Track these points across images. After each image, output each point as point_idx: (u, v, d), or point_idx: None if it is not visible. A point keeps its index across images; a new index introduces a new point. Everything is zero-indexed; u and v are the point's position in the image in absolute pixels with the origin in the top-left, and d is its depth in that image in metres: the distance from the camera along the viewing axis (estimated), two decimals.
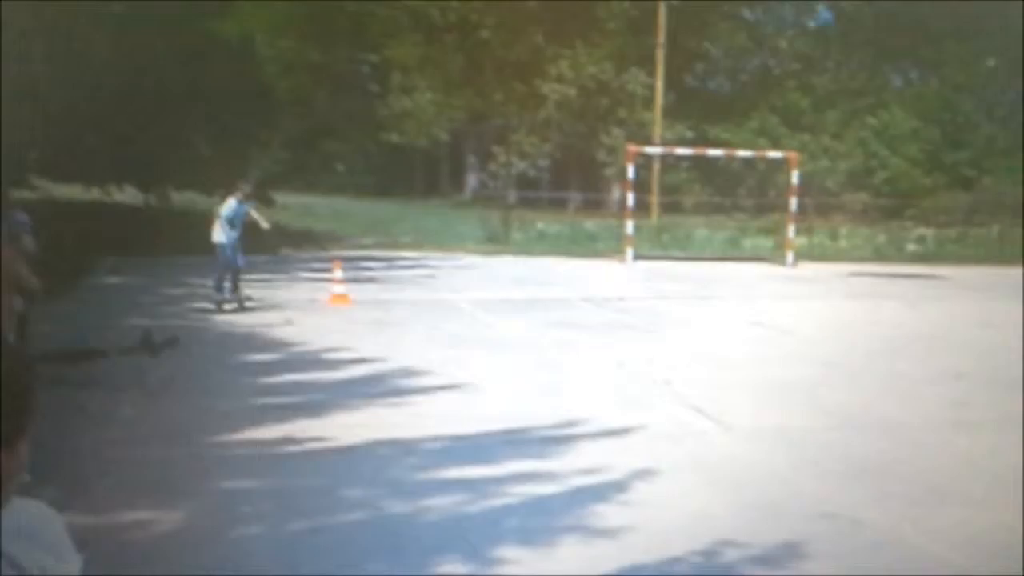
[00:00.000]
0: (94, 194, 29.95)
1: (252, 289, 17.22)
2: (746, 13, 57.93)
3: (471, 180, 56.81)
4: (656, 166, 43.29)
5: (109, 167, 25.66)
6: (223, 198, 29.00)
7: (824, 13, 61.69)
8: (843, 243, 34.75)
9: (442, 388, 10.14)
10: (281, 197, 33.67)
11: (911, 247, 34.12)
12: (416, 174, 61.66)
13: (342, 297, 16.43)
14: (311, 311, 15.46)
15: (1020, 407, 10.18)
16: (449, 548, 5.79)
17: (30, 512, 1.49)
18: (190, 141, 25.64)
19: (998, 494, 7.22)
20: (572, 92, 49.31)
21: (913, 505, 6.92)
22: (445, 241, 30.13)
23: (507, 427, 8.59)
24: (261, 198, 30.01)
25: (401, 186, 58.21)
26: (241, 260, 15.57)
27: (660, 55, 44.70)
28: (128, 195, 30.59)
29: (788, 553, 5.90)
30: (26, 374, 1.36)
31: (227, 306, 15.28)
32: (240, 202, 15.52)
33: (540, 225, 34.21)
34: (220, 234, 15.23)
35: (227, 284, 15.48)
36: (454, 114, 52.55)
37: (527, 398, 9.91)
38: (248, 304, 15.48)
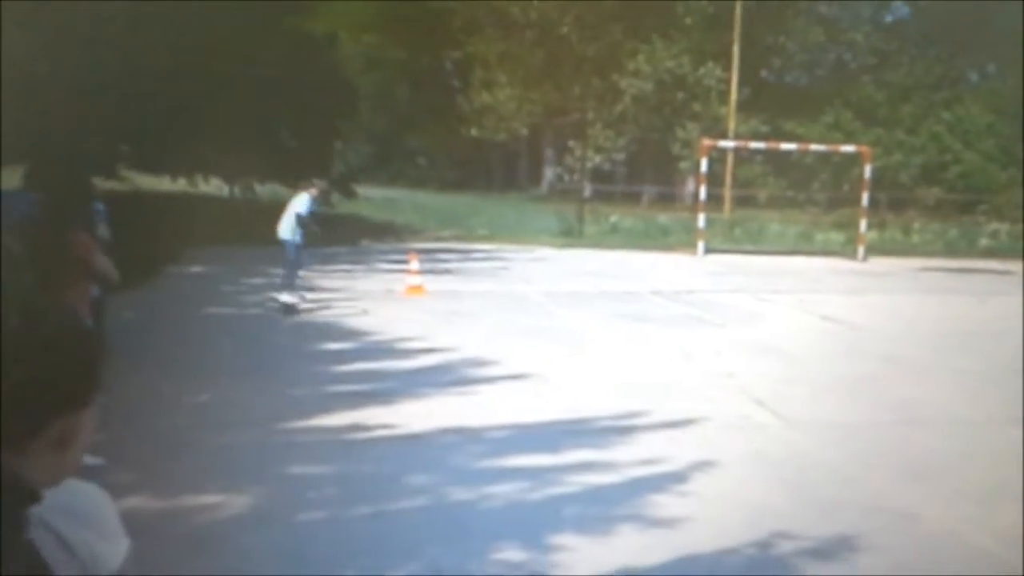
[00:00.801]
0: (181, 185, 30.46)
1: (331, 280, 17.44)
2: (822, 8, 57.14)
3: (548, 174, 56.82)
4: (730, 160, 42.96)
5: (195, 159, 26.07)
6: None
7: (900, 8, 60.74)
8: (915, 238, 34.16)
9: (509, 378, 10.17)
10: (364, 190, 33.99)
11: (984, 242, 33.44)
12: (495, 168, 61.78)
13: (417, 288, 16.54)
14: (387, 301, 15.58)
15: None
16: (508, 535, 5.81)
17: (82, 492, 1.52)
18: (275, 134, 25.94)
19: None
20: (648, 87, 49.06)
21: (973, 503, 6.80)
22: (520, 234, 30.17)
23: (570, 417, 8.60)
24: (344, 190, 30.42)
25: (480, 180, 58.40)
26: (306, 260, 14.71)
27: (736, 50, 44.28)
28: (213, 187, 31.06)
29: (843, 547, 5.84)
30: (96, 349, 1.39)
31: (294, 300, 14.10)
32: (314, 199, 14.43)
33: (614, 218, 34.11)
34: (288, 230, 14.06)
35: (298, 281, 14.47)
36: (533, 108, 52.56)
37: (592, 389, 9.90)
38: (302, 307, 14.21)
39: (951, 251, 31.19)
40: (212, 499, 6.23)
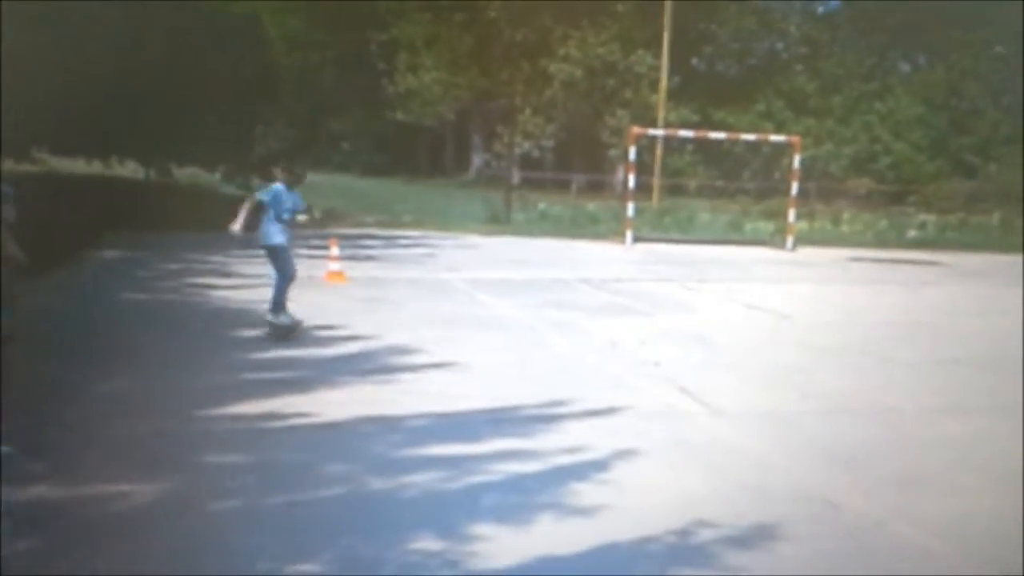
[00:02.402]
0: (96, 168, 29.95)
1: (250, 266, 17.24)
2: None
3: (476, 160, 56.81)
4: (660, 148, 43.28)
5: (110, 140, 25.65)
6: (226, 176, 28.92)
7: None
8: (844, 228, 34.73)
9: (432, 367, 10.16)
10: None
11: (912, 233, 34.10)
12: (421, 153, 61.62)
13: (338, 274, 16.44)
14: (306, 288, 15.40)
15: (1017, 395, 10.22)
16: (426, 524, 5.80)
17: None
18: (192, 116, 25.60)
19: (987, 483, 7.23)
20: (578, 73, 49.27)
21: (898, 492, 6.92)
22: (447, 221, 30.14)
23: (494, 406, 8.61)
24: (263, 175, 30.08)
25: (406, 165, 58.21)
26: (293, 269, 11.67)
27: (667, 38, 44.61)
28: (129, 170, 30.56)
29: (764, 534, 5.92)
30: None
31: (289, 323, 11.43)
32: (289, 188, 11.43)
33: (542, 206, 34.23)
34: (277, 232, 11.22)
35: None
36: (460, 93, 52.51)
37: (517, 377, 9.93)
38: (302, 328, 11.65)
39: (880, 241, 31.74)
40: (123, 488, 6.16)
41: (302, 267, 17.52)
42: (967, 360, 12.23)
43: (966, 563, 5.75)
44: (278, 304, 11.38)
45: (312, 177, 38.84)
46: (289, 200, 11.37)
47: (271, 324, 11.32)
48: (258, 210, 11.27)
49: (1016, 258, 28.11)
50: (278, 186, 11.38)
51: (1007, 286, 21.49)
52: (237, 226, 11.11)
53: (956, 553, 5.86)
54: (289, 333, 11.27)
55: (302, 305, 13.43)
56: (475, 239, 26.72)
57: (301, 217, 11.85)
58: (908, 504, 6.65)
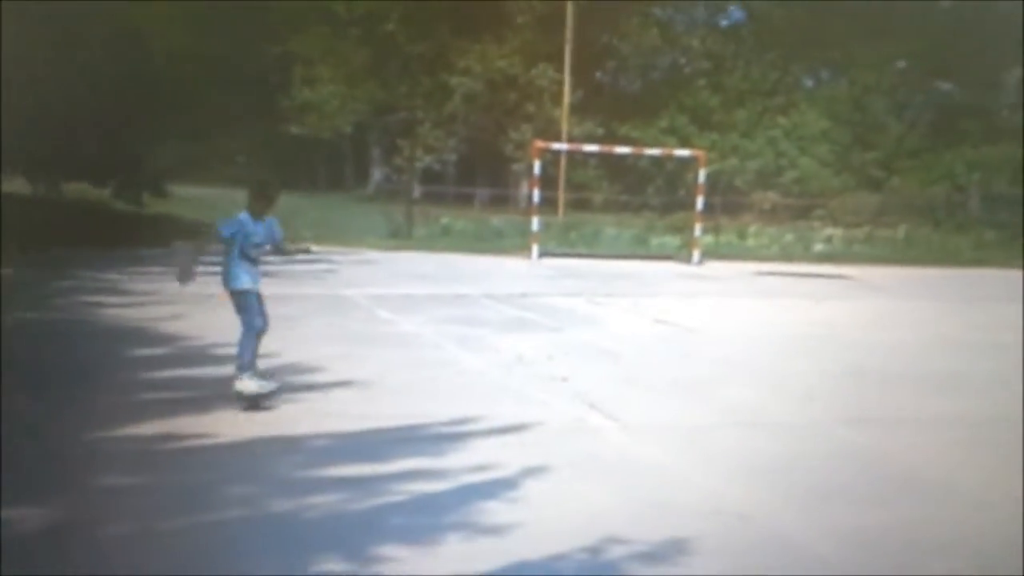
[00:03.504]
0: None
1: (143, 283, 16.96)
2: (657, 11, 58.49)
3: (375, 174, 56.63)
4: (564, 163, 43.57)
5: None
6: (115, 192, 28.37)
7: (736, 12, 62.63)
8: (751, 242, 35.28)
9: (334, 385, 10.06)
10: (179, 189, 33.30)
11: (818, 247, 34.78)
12: (319, 167, 61.22)
13: None
14: (202, 305, 15.21)
15: (923, 407, 10.49)
16: (330, 546, 5.73)
17: None
18: (78, 131, 25.17)
19: (890, 493, 7.37)
20: (479, 86, 49.40)
21: (804, 503, 7.02)
22: (346, 236, 29.94)
23: (398, 424, 8.55)
24: (155, 190, 29.72)
25: (304, 180, 57.77)
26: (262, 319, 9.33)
27: (568, 51, 44.99)
28: (17, 185, 29.92)
29: (674, 550, 5.95)
30: None
31: (262, 389, 9.06)
32: (256, 218, 9.13)
33: (445, 220, 34.24)
34: (243, 273, 9.10)
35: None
36: (357, 106, 52.33)
37: (421, 395, 9.89)
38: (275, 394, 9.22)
39: (786, 255, 32.29)
40: (10, 513, 5.98)
41: (196, 284, 17.30)
42: (874, 372, 12.49)
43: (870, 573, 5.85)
44: (246, 364, 9.02)
45: (206, 192, 38.42)
46: (258, 231, 9.11)
47: (238, 393, 8.91)
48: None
49: (922, 271, 28.88)
50: (242, 215, 9.07)
51: (912, 299, 22.07)
52: (184, 277, 9.25)
53: (869, 564, 5.95)
54: (264, 401, 8.98)
55: (197, 323, 13.28)
56: (376, 254, 26.62)
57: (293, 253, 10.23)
58: (820, 517, 6.74)
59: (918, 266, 31.57)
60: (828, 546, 6.18)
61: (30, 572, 5.26)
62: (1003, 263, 33.92)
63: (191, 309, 14.65)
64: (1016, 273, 30.92)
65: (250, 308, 9.17)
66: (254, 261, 9.18)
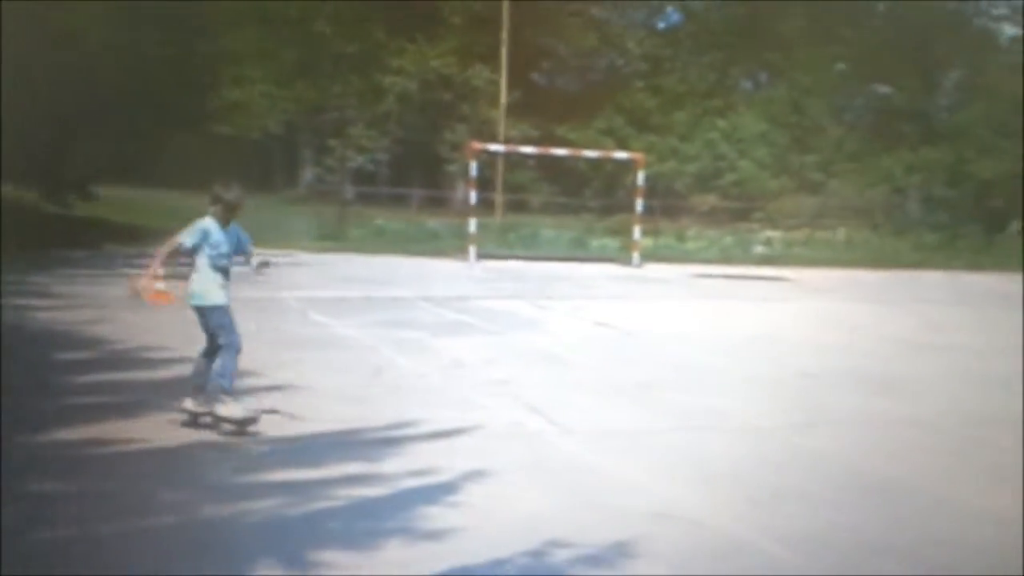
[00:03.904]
0: None
1: (71, 286, 16.71)
2: (595, 12, 58.71)
3: (307, 174, 56.26)
4: (501, 164, 43.60)
5: None
6: (42, 194, 27.91)
7: (673, 14, 63.07)
8: (690, 245, 35.56)
9: (269, 389, 9.96)
10: (106, 191, 32.90)
11: (758, 249, 35.14)
12: (249, 168, 60.68)
13: (162, 294, 15.98)
14: (131, 309, 15.01)
15: (865, 407, 10.61)
16: (267, 552, 5.68)
17: None
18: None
19: (841, 495, 7.43)
20: (413, 86, 49.31)
21: (753, 506, 7.06)
22: (277, 237, 29.67)
23: (336, 429, 8.50)
24: (81, 192, 29.30)
25: (233, 179, 57.16)
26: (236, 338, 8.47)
27: (504, 51, 45.05)
28: None
29: (619, 553, 5.96)
30: None
31: (249, 413, 8.20)
32: (222, 224, 8.44)
33: (380, 222, 34.11)
34: (213, 288, 8.35)
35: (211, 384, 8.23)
36: (287, 106, 51.99)
37: (358, 399, 9.82)
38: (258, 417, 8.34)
39: (726, 258, 32.61)
40: None
41: (119, 286, 17.07)
42: (819, 375, 12.62)
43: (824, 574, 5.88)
44: (230, 387, 8.18)
45: (134, 194, 37.95)
46: (225, 240, 8.35)
47: (223, 418, 8.08)
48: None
49: (860, 273, 29.26)
50: (206, 221, 8.33)
51: (853, 301, 22.34)
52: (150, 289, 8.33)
53: (818, 567, 5.99)
54: (245, 427, 8.12)
55: (127, 325, 13.12)
56: (308, 256, 26.48)
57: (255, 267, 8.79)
58: (770, 519, 6.78)
59: (858, 268, 32.01)
60: (780, 548, 6.21)
61: None
62: (943, 265, 34.53)
63: (119, 313, 14.48)
64: (955, 275, 31.55)
65: (227, 325, 8.38)
66: (226, 273, 8.38)
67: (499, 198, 42.80)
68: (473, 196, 29.03)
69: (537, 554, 5.88)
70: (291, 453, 7.74)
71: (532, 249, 31.87)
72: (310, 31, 49.81)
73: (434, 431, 8.57)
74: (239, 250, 8.53)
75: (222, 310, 8.38)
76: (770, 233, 38.60)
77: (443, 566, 5.60)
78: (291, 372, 10.83)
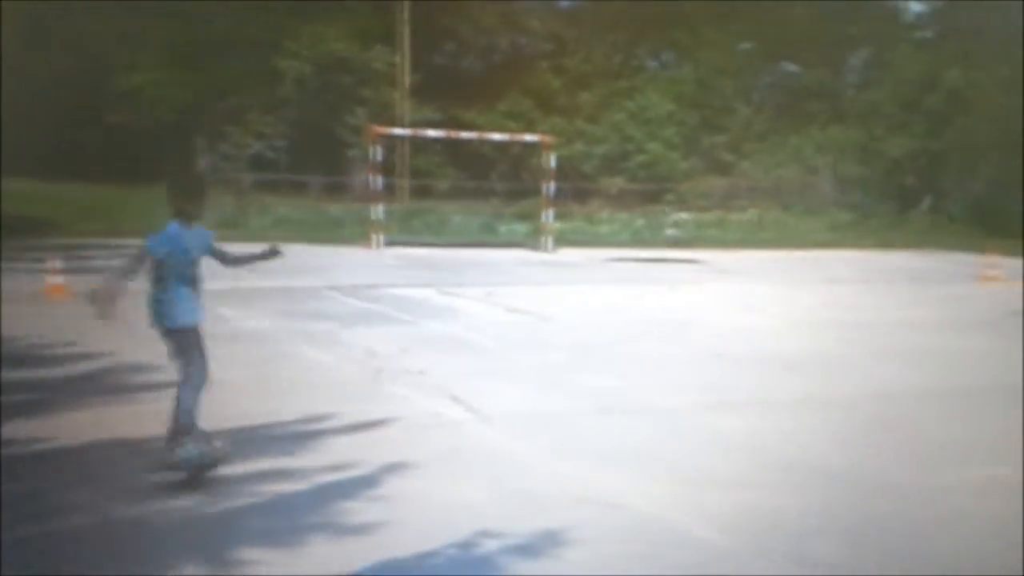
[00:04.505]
0: None
1: None
2: None
3: (201, 162, 55.49)
4: (407, 149, 43.46)
5: None
6: None
7: None
8: (601, 228, 35.78)
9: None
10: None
11: (670, 231, 35.49)
12: (142, 156, 59.72)
13: (59, 289, 15.78)
14: (26, 304, 14.80)
15: (783, 388, 10.82)
16: (186, 551, 5.64)
17: None
18: None
19: (759, 475, 7.60)
20: (311, 69, 48.87)
21: (675, 487, 7.19)
22: None
23: (249, 424, 8.45)
24: None
25: (126, 169, 56.24)
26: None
27: (406, 32, 44.86)
28: None
29: (549, 541, 6.02)
30: None
31: (214, 454, 7.07)
32: (187, 226, 7.24)
33: (282, 210, 33.83)
34: (185, 306, 7.15)
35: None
36: (179, 93, 51.21)
37: (268, 394, 9.77)
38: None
39: (638, 241, 32.93)
40: None
41: (17, 281, 16.78)
42: (732, 356, 12.83)
43: (753, 557, 5.99)
44: (185, 427, 7.09)
45: (21, 185, 37.13)
46: (195, 245, 7.22)
47: (182, 460, 6.88)
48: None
49: (773, 254, 29.73)
50: (172, 226, 7.20)
51: (765, 282, 22.68)
52: (106, 313, 6.87)
53: (743, 547, 6.12)
54: (210, 468, 6.98)
55: (22, 323, 12.88)
56: None
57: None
58: (690, 500, 6.92)
59: (770, 249, 32.51)
60: (704, 529, 6.34)
61: None
62: (855, 244, 35.21)
63: (14, 309, 14.21)
64: (867, 254, 32.21)
65: (193, 352, 7.21)
66: (196, 285, 7.20)
67: (403, 183, 42.67)
68: (376, 182, 28.92)
69: (465, 545, 5.92)
70: None
71: (440, 235, 31.88)
72: (202, 14, 49.10)
73: (351, 423, 8.56)
74: (205, 251, 7.33)
75: (192, 333, 7.17)
76: (682, 215, 39.01)
77: (370, 560, 5.62)
78: None
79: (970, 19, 50.88)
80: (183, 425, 7.08)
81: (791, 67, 56.66)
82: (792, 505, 6.88)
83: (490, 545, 5.93)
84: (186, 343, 7.16)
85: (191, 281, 7.14)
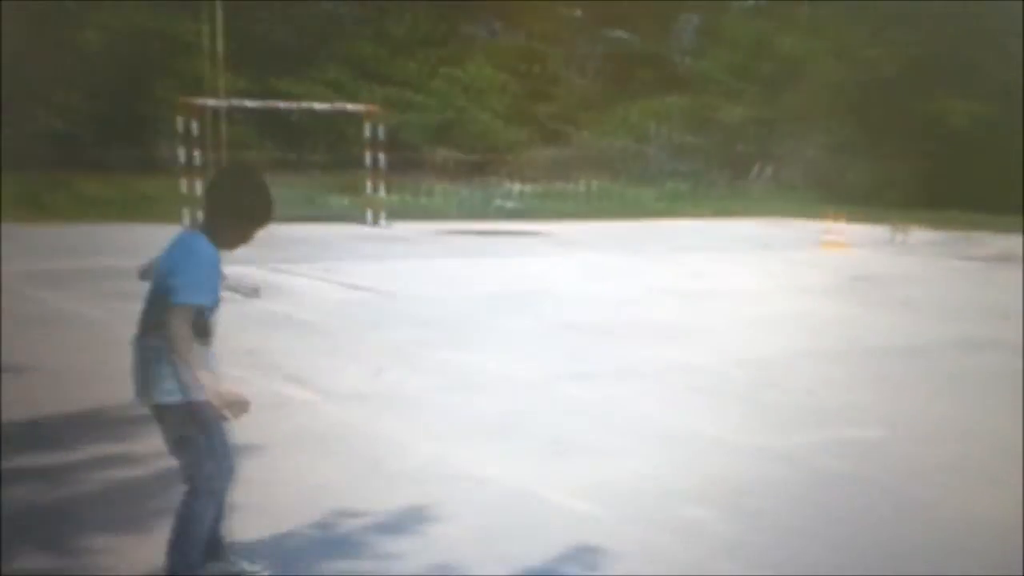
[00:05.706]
0: None
1: None
2: None
3: None
4: (223, 122, 42.71)
5: None
6: None
7: None
8: (431, 200, 35.79)
9: (6, 371, 9.57)
10: None
11: (502, 203, 35.70)
12: None
13: None
14: None
15: (641, 357, 11.09)
16: (26, 541, 5.56)
17: None
18: None
19: (623, 443, 7.81)
20: (115, 41, 47.72)
21: (539, 460, 7.33)
22: None
23: (79, 409, 8.32)
24: None
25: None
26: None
27: (219, 3, 44.05)
28: None
29: (413, 517, 6.07)
30: None
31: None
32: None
33: (88, 189, 32.95)
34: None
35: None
36: None
37: (97, 378, 9.47)
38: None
39: (470, 213, 33.00)
40: None
41: None
42: (584, 327, 13.04)
43: (618, 523, 6.15)
44: (214, 549, 5.26)
45: None
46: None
47: None
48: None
49: (608, 224, 30.21)
50: (205, 247, 5.13)
51: (606, 252, 23.07)
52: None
53: (607, 514, 6.27)
54: None
55: None
56: (7, 228, 25.24)
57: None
58: (552, 471, 7.06)
59: (605, 219, 33.00)
60: (572, 499, 6.45)
61: None
62: (690, 213, 35.99)
63: None
64: (708, 223, 33.01)
65: (213, 436, 5.38)
66: (210, 337, 5.39)
67: (218, 156, 41.94)
68: (185, 156, 28.39)
69: (324, 526, 5.94)
70: (37, 438, 7.53)
71: None
72: None
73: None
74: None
75: (201, 407, 5.14)
76: (516, 186, 39.28)
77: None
78: (15, 352, 10.37)
79: None
80: (213, 548, 5.27)
81: (619, 33, 57.37)
82: (659, 472, 7.05)
83: (351, 524, 5.96)
84: (199, 429, 5.36)
85: (208, 333, 5.42)
